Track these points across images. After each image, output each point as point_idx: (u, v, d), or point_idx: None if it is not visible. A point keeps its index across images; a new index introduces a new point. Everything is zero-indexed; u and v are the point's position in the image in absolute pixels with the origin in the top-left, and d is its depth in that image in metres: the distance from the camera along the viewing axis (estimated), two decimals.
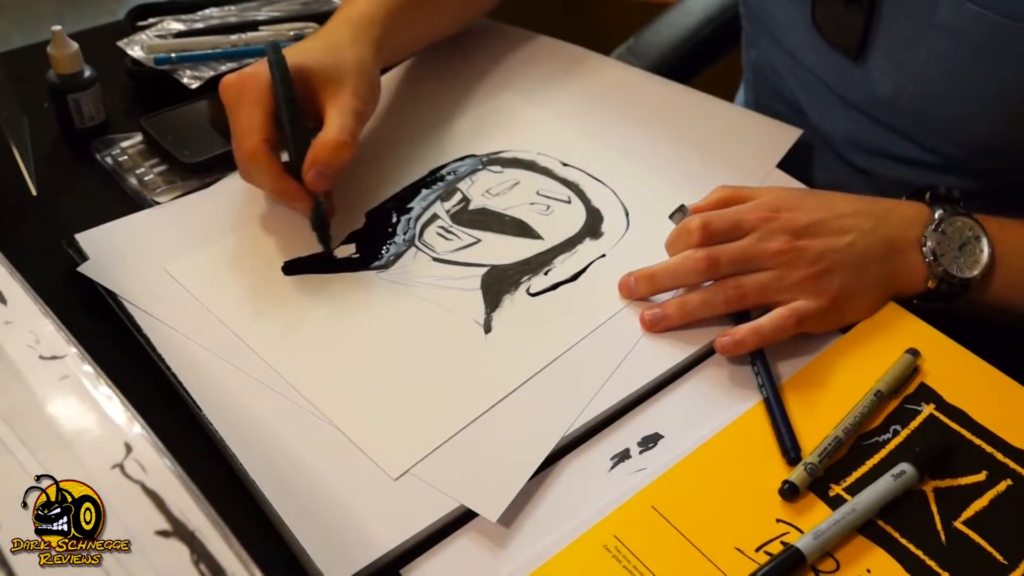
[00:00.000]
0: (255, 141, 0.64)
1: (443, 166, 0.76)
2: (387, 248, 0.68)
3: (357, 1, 0.75)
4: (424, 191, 0.74)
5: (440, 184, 0.74)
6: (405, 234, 0.70)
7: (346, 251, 0.68)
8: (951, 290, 0.64)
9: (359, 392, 0.59)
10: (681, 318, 0.63)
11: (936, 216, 0.65)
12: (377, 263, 0.67)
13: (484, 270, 0.67)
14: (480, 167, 0.76)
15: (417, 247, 0.69)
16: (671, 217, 0.67)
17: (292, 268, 0.67)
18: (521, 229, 0.71)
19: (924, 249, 0.64)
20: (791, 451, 0.55)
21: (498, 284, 0.66)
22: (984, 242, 0.65)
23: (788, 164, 0.77)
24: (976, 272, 0.64)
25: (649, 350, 0.62)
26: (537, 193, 0.74)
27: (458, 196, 0.74)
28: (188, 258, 0.67)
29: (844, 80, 0.78)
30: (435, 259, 0.68)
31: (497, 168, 0.76)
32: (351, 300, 0.65)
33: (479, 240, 0.70)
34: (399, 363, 0.61)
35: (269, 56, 0.66)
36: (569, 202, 0.73)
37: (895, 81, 0.73)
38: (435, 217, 0.72)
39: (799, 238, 0.63)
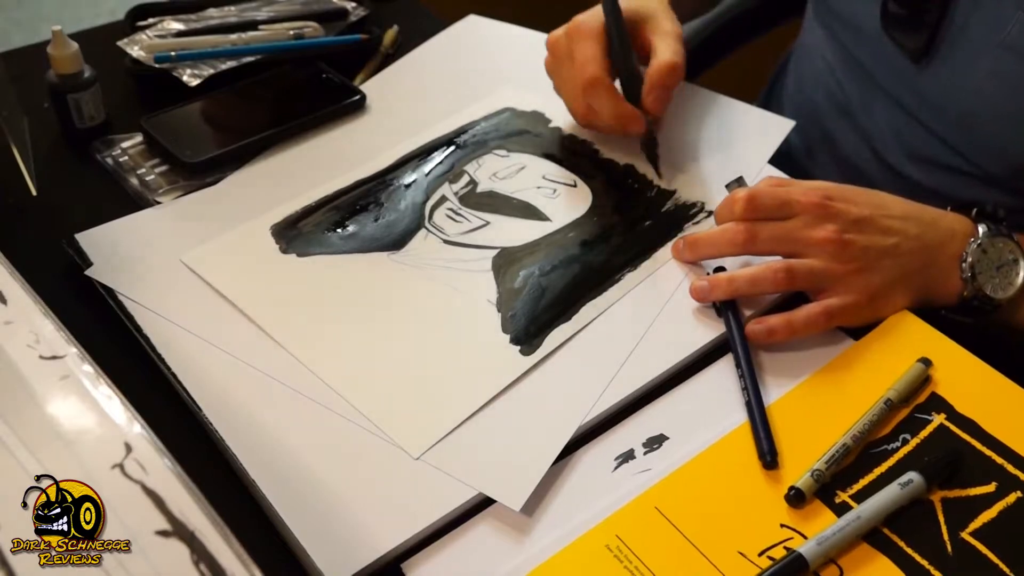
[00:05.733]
0: (596, 70, 0.70)
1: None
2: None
3: None
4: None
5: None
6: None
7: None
8: (981, 307, 0.64)
9: (376, 374, 0.60)
10: (727, 294, 0.64)
11: (980, 233, 0.65)
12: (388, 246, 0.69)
13: (494, 252, 0.68)
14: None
15: (427, 229, 0.70)
16: (727, 187, 0.68)
17: None
18: (529, 211, 0.71)
19: (963, 265, 0.64)
20: (767, 455, 0.55)
21: (508, 266, 0.67)
22: (1021, 266, 0.65)
23: (823, 158, 0.76)
24: (1010, 294, 0.64)
25: (657, 343, 0.62)
26: (543, 177, 0.74)
27: (466, 179, 0.74)
28: (202, 247, 0.68)
29: (900, 81, 0.77)
30: (446, 241, 0.69)
31: (503, 152, 0.77)
32: (365, 283, 0.66)
33: (488, 223, 0.70)
34: (415, 345, 0.61)
35: (605, 3, 0.72)
36: (575, 186, 0.74)
37: (951, 91, 0.73)
38: (444, 199, 0.72)
39: (846, 231, 0.63)
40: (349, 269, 0.66)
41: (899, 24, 0.74)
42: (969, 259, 0.64)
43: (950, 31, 0.71)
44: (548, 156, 0.77)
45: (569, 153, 0.77)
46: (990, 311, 0.64)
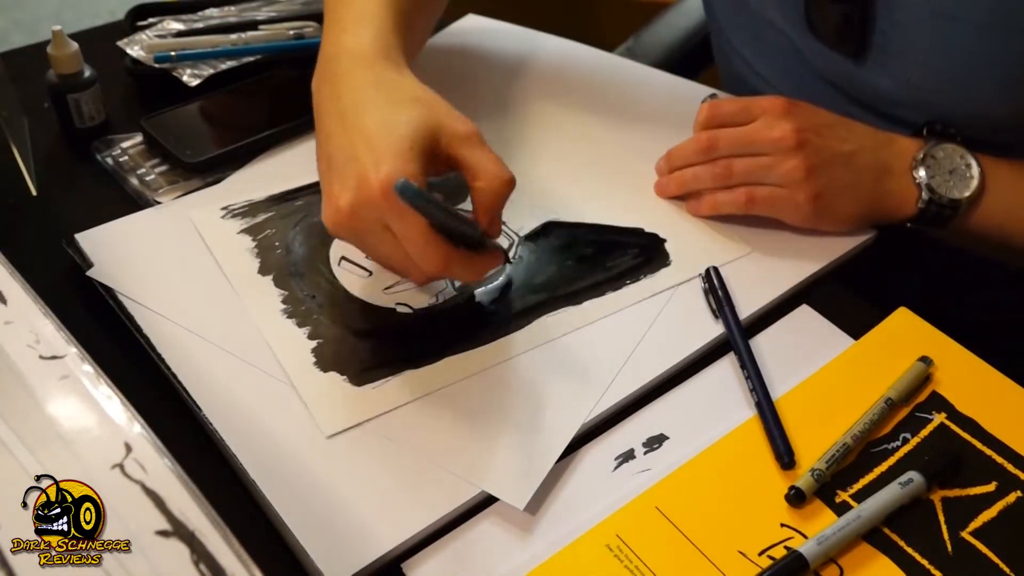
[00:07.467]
0: (439, 253, 0.54)
1: None
2: None
3: (358, 32, 0.63)
4: None
5: None
6: None
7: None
8: (941, 212, 0.67)
9: None
10: (677, 189, 0.71)
11: (928, 144, 0.68)
12: None
13: None
14: None
15: None
16: (702, 102, 0.71)
17: None
18: None
19: (915, 172, 0.67)
20: (784, 456, 0.55)
21: None
22: (974, 168, 0.68)
23: None
24: (967, 194, 0.67)
25: (656, 343, 0.62)
26: None
27: None
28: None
29: (848, 80, 0.77)
30: None
31: None
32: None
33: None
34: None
35: (405, 194, 0.50)
36: None
37: (898, 75, 0.72)
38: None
39: (803, 132, 0.66)
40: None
41: (826, 30, 0.73)
42: (920, 167, 0.67)
43: (877, 21, 0.70)
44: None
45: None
46: (950, 215, 0.67)
